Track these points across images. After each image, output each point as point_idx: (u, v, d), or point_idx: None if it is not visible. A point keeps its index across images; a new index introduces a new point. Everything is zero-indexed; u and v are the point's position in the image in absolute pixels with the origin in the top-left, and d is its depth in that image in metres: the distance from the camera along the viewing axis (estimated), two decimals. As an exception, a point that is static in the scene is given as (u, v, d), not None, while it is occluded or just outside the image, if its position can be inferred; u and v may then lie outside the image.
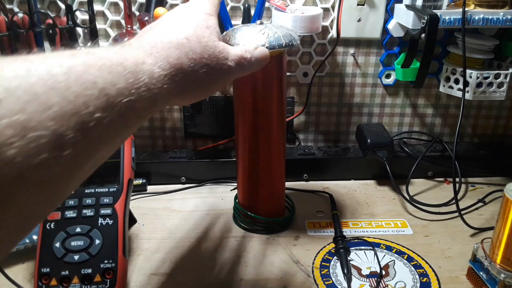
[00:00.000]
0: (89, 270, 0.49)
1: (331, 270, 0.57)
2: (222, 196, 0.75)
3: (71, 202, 0.52)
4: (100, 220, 0.51)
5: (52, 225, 0.51)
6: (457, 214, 0.65)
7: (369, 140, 0.74)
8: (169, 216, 0.69)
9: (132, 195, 0.72)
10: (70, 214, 0.51)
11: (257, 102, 0.58)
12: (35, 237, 0.58)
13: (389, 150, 0.74)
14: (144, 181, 0.76)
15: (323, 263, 0.58)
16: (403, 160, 0.77)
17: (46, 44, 0.71)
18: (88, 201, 0.52)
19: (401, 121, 0.84)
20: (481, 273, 0.51)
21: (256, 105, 0.58)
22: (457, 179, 0.72)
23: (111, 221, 0.51)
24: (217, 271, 0.57)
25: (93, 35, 0.71)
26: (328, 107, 0.82)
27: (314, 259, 0.59)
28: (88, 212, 0.52)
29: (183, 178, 0.78)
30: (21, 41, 0.71)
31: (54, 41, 0.71)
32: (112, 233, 0.51)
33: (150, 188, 0.76)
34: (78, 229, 0.50)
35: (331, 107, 0.82)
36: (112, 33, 0.74)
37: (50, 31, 0.70)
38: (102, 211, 0.52)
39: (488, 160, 0.79)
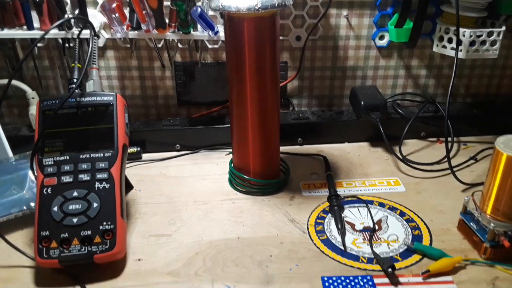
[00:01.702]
0: (89, 232, 0.49)
1: (325, 227, 0.58)
2: (217, 162, 0.75)
3: (67, 168, 0.52)
4: (97, 184, 0.52)
5: (49, 190, 0.51)
6: (449, 171, 0.67)
7: (362, 102, 0.74)
8: (165, 182, 0.70)
9: (128, 163, 0.73)
10: (67, 179, 0.52)
11: (251, 66, 0.58)
12: (32, 204, 0.59)
13: (382, 112, 0.74)
14: (139, 149, 0.76)
15: (317, 220, 0.59)
16: (397, 121, 0.77)
17: (34, 14, 0.70)
18: (84, 166, 0.53)
19: (395, 83, 0.84)
20: (472, 224, 0.53)
21: (249, 69, 0.58)
22: (449, 139, 0.73)
23: (108, 185, 0.52)
24: (214, 231, 0.58)
25: (81, 4, 0.70)
26: (322, 71, 0.82)
27: (309, 217, 0.60)
28: (84, 177, 0.52)
29: (177, 145, 0.78)
30: (8, 10, 0.70)
31: (41, 10, 0.70)
32: (109, 196, 0.52)
33: (145, 156, 0.77)
34: (75, 193, 0.51)
35: (325, 71, 0.82)
36: (100, 0, 0.73)
37: (37, 0, 0.68)
38: (98, 176, 0.52)
39: (480, 119, 0.80)
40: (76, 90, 0.54)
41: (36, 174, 0.53)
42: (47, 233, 0.49)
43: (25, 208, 0.59)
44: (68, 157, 0.53)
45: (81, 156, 0.53)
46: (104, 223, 0.50)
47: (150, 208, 0.63)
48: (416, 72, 0.83)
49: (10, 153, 0.67)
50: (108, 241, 0.50)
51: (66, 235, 0.49)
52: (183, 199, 0.65)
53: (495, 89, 0.85)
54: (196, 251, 0.55)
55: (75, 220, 0.50)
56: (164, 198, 0.66)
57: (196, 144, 0.78)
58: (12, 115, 0.82)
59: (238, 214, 0.62)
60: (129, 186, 0.67)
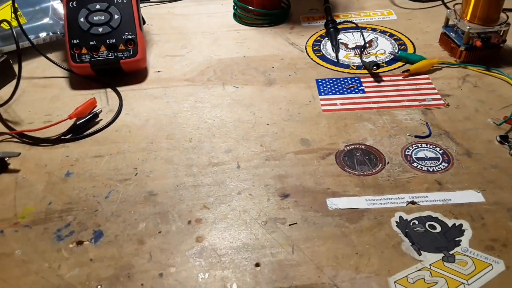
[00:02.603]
0: (113, 40, 0.56)
1: (321, 46, 0.65)
2: (221, 2, 0.80)
3: (87, -16, 0.57)
4: (116, -1, 0.57)
5: (74, 3, 0.57)
6: (439, 2, 0.71)
7: None
8: (173, 18, 0.75)
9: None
10: (88, -6, 0.57)
11: None
12: (57, 29, 0.65)
13: None
14: (147, -9, 0.80)
15: (315, 43, 0.66)
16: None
17: None
18: (102, -18, 0.58)
19: None
20: (451, 34, 0.59)
21: None
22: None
23: (126, 0, 0.58)
24: (222, 52, 0.65)
25: None
26: None
27: (307, 41, 0.67)
28: (103, -8, 0.57)
29: (183, -12, 0.82)
30: None
31: None
32: (128, 10, 0.57)
33: (153, -2, 0.81)
34: (98, 6, 0.57)
35: None
36: None
37: None
38: (116, -8, 0.58)
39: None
40: None
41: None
42: (77, 41, 0.56)
43: (51, 33, 0.65)
44: (87, -25, 0.57)
45: (98, -25, 0.58)
46: (126, 33, 0.57)
47: (163, 37, 0.70)
48: None
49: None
50: (131, 49, 0.57)
51: (94, 42, 0.56)
52: (191, 30, 0.71)
53: None
54: (207, 65, 0.62)
55: (100, 29, 0.56)
56: (174, 30, 0.72)
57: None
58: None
59: (243, 40, 0.68)
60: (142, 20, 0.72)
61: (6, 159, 0.46)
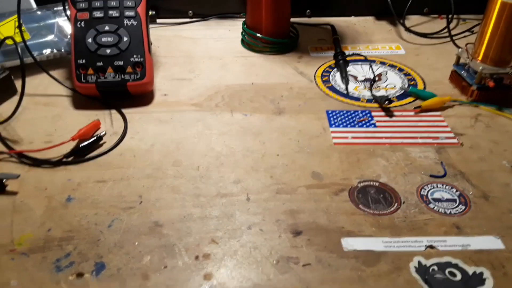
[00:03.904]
0: (121, 62, 0.55)
1: (330, 78, 0.64)
2: (229, 28, 0.79)
3: (97, 4, 0.56)
4: (126, 21, 0.56)
5: (82, 24, 0.56)
6: (447, 39, 0.72)
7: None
8: (180, 41, 0.75)
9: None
10: (98, 14, 0.56)
11: None
12: (62, 46, 0.64)
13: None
14: (153, 12, 0.79)
15: (324, 73, 0.65)
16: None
17: None
18: (113, 3, 0.57)
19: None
20: (462, 72, 0.59)
21: None
22: (450, 16, 0.77)
23: (135, 22, 0.57)
24: (230, 78, 0.64)
25: None
26: None
27: (316, 71, 0.66)
28: (114, 13, 0.56)
29: (190, 11, 0.81)
30: None
31: None
32: (137, 32, 0.56)
33: (159, 21, 0.80)
34: (106, 27, 0.56)
35: None
36: None
37: None
38: (126, 13, 0.57)
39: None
40: None
41: (69, 8, 0.57)
42: (84, 61, 0.55)
43: (55, 50, 0.64)
44: (97, -5, 0.57)
45: (109, -4, 0.57)
46: (134, 56, 0.55)
47: (170, 60, 0.69)
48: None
49: (33, 4, 0.70)
50: (139, 71, 0.55)
51: (101, 63, 0.55)
52: (199, 54, 0.71)
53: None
54: (215, 91, 0.61)
55: (108, 51, 0.55)
56: (182, 53, 0.71)
57: (208, 12, 0.81)
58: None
59: (251, 67, 0.67)
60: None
61: (4, 180, 0.44)
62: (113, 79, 0.55)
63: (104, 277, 0.36)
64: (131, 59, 0.55)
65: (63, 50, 0.64)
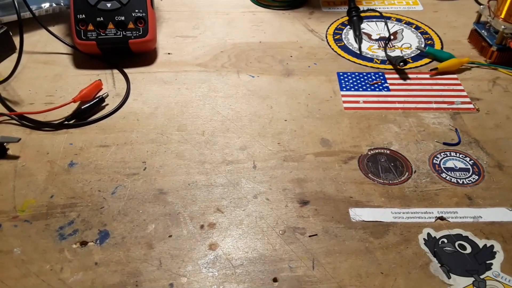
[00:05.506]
0: (122, 18, 0.52)
1: (343, 36, 0.61)
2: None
3: (96, -45, 0.53)
4: (126, -27, 0.53)
5: (80, -24, 0.52)
6: (468, -6, 0.67)
7: None
8: (186, -5, 0.71)
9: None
10: (97, -34, 0.53)
11: None
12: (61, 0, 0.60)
13: None
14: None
15: (336, 31, 0.62)
16: None
17: None
18: (112, -46, 0.53)
19: None
20: (483, 31, 0.55)
21: None
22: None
23: (137, -25, 0.53)
24: (237, 35, 0.61)
25: None
26: None
27: (328, 28, 0.63)
28: (113, -35, 0.53)
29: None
30: None
31: None
32: (139, -14, 0.53)
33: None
34: (106, -20, 0.52)
35: None
36: None
37: None
38: (127, -35, 0.53)
39: None
40: None
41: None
42: (83, 16, 0.52)
43: (54, 4, 0.60)
44: None
45: None
46: (136, 11, 0.52)
47: (174, 15, 0.65)
48: None
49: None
50: (141, 28, 0.53)
51: (102, 18, 0.52)
52: (204, 9, 0.67)
53: None
54: (221, 50, 0.58)
55: (108, 4, 0.52)
56: (186, 8, 0.67)
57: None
58: None
59: (259, 24, 0.64)
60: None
61: (5, 144, 0.43)
62: (114, 36, 0.52)
63: (108, 245, 0.35)
64: (133, 14, 0.53)
65: (62, 4, 0.61)
